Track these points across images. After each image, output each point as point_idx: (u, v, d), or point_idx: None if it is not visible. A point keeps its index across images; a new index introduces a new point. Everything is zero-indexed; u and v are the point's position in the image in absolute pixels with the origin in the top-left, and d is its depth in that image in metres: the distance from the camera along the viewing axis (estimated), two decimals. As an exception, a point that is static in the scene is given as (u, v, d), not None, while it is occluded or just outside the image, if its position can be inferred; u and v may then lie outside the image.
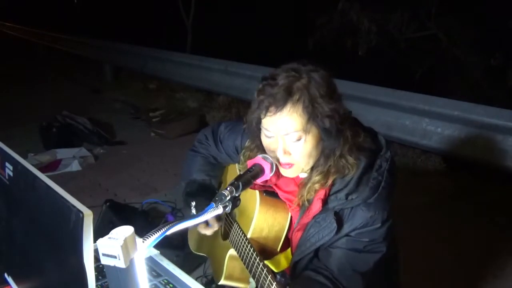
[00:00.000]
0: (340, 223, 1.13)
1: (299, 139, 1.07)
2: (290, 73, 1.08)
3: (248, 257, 1.18)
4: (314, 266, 1.18)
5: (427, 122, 3.15)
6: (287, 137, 1.07)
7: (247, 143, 1.29)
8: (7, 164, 0.88)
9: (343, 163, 1.12)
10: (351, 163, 1.12)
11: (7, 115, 5.26)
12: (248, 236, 1.26)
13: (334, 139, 1.09)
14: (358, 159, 1.13)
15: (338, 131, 1.09)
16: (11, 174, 0.87)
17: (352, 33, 5.17)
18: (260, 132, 1.15)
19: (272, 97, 1.05)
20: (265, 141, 1.13)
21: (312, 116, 1.05)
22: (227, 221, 1.46)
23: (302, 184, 1.19)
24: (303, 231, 1.20)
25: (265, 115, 1.07)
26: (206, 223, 1.36)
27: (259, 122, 1.12)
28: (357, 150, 1.13)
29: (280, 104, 1.05)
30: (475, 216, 2.90)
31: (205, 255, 1.64)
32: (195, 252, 1.68)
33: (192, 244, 1.70)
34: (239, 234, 1.28)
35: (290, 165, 1.11)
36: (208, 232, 1.36)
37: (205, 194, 1.41)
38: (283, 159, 1.10)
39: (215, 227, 1.36)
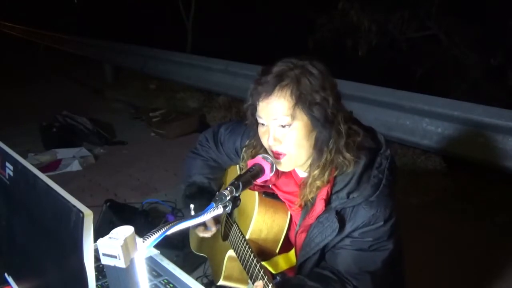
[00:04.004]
0: (342, 222, 1.13)
1: (288, 125, 1.08)
2: (285, 63, 1.11)
3: (246, 258, 1.19)
4: (322, 266, 1.19)
5: (427, 122, 3.15)
6: (276, 122, 1.09)
7: (248, 141, 1.30)
8: (7, 164, 0.88)
9: (340, 160, 1.12)
10: (349, 159, 1.11)
11: (7, 115, 5.26)
12: (247, 237, 1.26)
13: (325, 130, 1.10)
14: (358, 157, 1.13)
15: (328, 122, 1.09)
16: (11, 174, 0.87)
17: (352, 33, 5.17)
18: (258, 125, 1.16)
19: (264, 84, 1.09)
20: (260, 131, 1.15)
21: (300, 101, 1.07)
22: (227, 222, 1.47)
23: (303, 183, 1.19)
24: (307, 232, 1.20)
25: (258, 101, 1.11)
26: (205, 226, 1.41)
27: (254, 111, 1.14)
28: (357, 148, 1.13)
29: (270, 89, 1.08)
30: (475, 216, 2.90)
31: (205, 255, 1.65)
32: (196, 252, 1.69)
33: (193, 244, 1.71)
34: (238, 235, 1.28)
35: (281, 154, 1.12)
36: (207, 234, 1.41)
37: (205, 197, 1.43)
38: (274, 146, 1.11)
39: (213, 230, 1.40)
